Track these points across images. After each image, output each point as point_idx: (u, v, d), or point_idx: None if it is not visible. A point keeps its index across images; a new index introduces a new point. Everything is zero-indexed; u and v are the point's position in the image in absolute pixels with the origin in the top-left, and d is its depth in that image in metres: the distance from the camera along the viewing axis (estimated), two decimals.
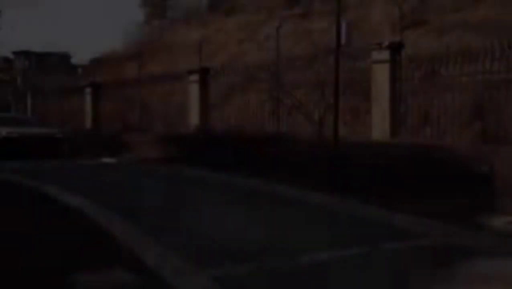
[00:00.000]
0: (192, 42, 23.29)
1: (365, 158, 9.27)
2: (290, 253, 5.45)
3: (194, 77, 17.22)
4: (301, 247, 5.78)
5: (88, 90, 22.66)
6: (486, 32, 12.54)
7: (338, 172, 9.52)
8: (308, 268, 5.05)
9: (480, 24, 13.46)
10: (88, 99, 22.58)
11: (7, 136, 16.45)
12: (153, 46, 28.69)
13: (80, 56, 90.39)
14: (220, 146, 13.31)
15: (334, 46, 9.95)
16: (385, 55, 11.97)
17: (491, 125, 10.76)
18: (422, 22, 15.83)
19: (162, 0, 38.77)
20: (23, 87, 29.74)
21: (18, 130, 16.82)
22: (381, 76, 11.99)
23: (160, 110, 19.91)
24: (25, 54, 44.82)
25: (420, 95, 11.96)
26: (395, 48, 11.96)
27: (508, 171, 8.04)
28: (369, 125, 12.43)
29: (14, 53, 47.42)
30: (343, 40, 9.66)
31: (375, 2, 18.84)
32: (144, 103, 19.90)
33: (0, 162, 14.30)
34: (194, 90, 17.21)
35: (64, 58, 49.21)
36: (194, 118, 17.12)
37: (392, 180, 8.72)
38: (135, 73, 20.57)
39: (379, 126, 11.94)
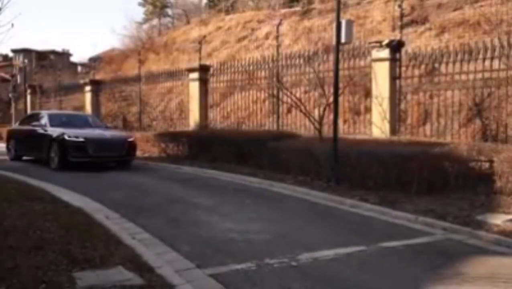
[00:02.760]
0: (192, 40, 23.35)
1: (364, 156, 9.29)
2: (290, 253, 5.48)
3: (194, 75, 17.25)
4: (300, 245, 5.81)
5: (88, 88, 22.70)
6: (486, 30, 12.58)
7: (338, 170, 9.54)
8: (301, 267, 5.09)
9: (479, 22, 13.50)
10: (88, 96, 22.62)
11: (71, 141, 12.55)
12: (153, 44, 28.75)
13: (80, 54, 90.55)
14: (219, 144, 13.30)
15: (334, 44, 9.93)
16: (385, 53, 11.99)
17: (491, 123, 10.80)
18: (422, 20, 15.85)
19: None
20: (22, 85, 29.72)
21: (83, 133, 13.00)
22: (381, 74, 12.01)
23: (160, 107, 19.97)
24: (25, 51, 44.85)
25: (420, 93, 12.00)
26: (395, 46, 11.98)
27: (507, 169, 8.06)
28: (369, 123, 12.46)
29: (14, 50, 47.47)
30: (343, 38, 9.63)
31: (375, 0, 18.89)
32: (144, 100, 19.93)
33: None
34: (194, 88, 17.24)
35: (63, 55, 49.28)
36: (194, 116, 17.16)
37: (392, 178, 8.74)
38: (135, 71, 20.61)
39: (379, 124, 11.97)
